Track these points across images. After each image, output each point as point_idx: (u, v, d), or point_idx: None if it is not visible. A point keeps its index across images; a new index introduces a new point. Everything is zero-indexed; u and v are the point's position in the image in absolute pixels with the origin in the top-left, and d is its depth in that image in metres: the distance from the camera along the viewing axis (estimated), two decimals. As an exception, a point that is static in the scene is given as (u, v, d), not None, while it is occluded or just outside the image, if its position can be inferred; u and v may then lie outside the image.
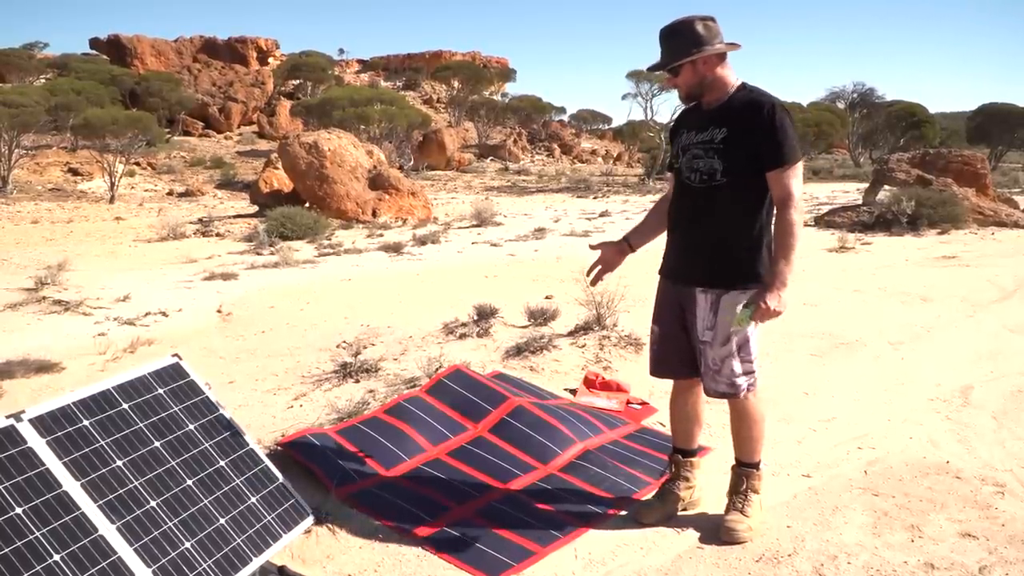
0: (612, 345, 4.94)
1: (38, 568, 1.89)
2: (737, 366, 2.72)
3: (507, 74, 51.69)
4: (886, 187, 14.92)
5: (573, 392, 4.33)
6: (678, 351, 2.86)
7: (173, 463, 2.37)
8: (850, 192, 21.59)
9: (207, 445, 2.51)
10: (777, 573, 2.57)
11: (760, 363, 2.83)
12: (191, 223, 14.39)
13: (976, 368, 4.83)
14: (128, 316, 6.40)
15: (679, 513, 2.95)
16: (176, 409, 2.53)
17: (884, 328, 5.81)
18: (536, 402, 3.84)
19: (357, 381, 4.34)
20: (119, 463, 2.24)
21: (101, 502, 2.11)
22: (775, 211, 2.66)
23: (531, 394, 4.08)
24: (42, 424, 2.16)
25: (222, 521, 2.34)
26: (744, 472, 2.87)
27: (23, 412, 2.16)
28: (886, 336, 5.59)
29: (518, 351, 4.75)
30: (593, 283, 3.05)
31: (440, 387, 3.87)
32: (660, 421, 3.92)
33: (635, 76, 32.20)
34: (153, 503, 2.22)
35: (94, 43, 44.75)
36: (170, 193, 22.37)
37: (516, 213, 17.72)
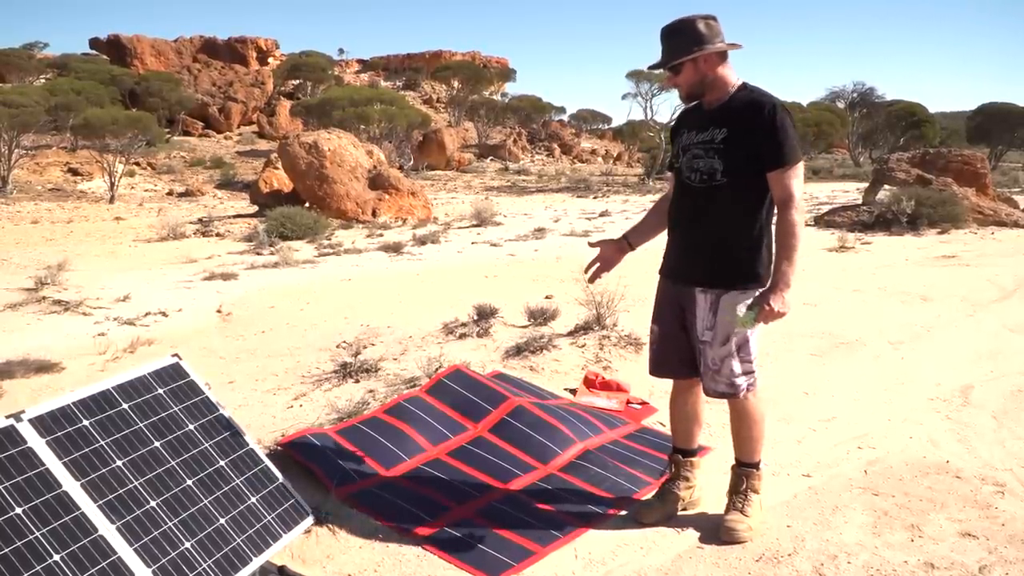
0: (612, 345, 4.94)
1: (38, 568, 1.89)
2: (736, 366, 2.72)
3: (507, 74, 51.69)
4: (886, 187, 14.92)
5: (573, 392, 4.33)
6: (678, 351, 2.86)
7: (173, 463, 2.37)
8: (850, 192, 21.59)
9: (207, 445, 2.51)
10: (777, 573, 2.57)
11: (760, 363, 2.82)
12: (191, 223, 14.39)
13: (976, 368, 4.83)
14: (128, 316, 6.40)
15: (679, 513, 2.95)
16: (176, 409, 2.53)
17: (884, 328, 5.81)
18: (536, 402, 3.84)
19: (357, 381, 4.34)
20: (119, 463, 2.24)
21: (101, 502, 2.11)
22: (776, 211, 2.66)
23: (531, 394, 4.08)
24: (42, 424, 2.16)
25: (222, 521, 2.34)
26: (744, 472, 2.87)
27: (23, 412, 2.16)
28: (886, 336, 5.59)
29: (518, 351, 4.75)
30: (591, 280, 3.05)
31: (440, 387, 3.87)
32: (660, 421, 3.92)
33: (635, 76, 32.20)
34: (153, 503, 2.22)
35: (94, 43, 44.76)
36: (170, 193, 22.38)
37: (516, 213, 17.72)
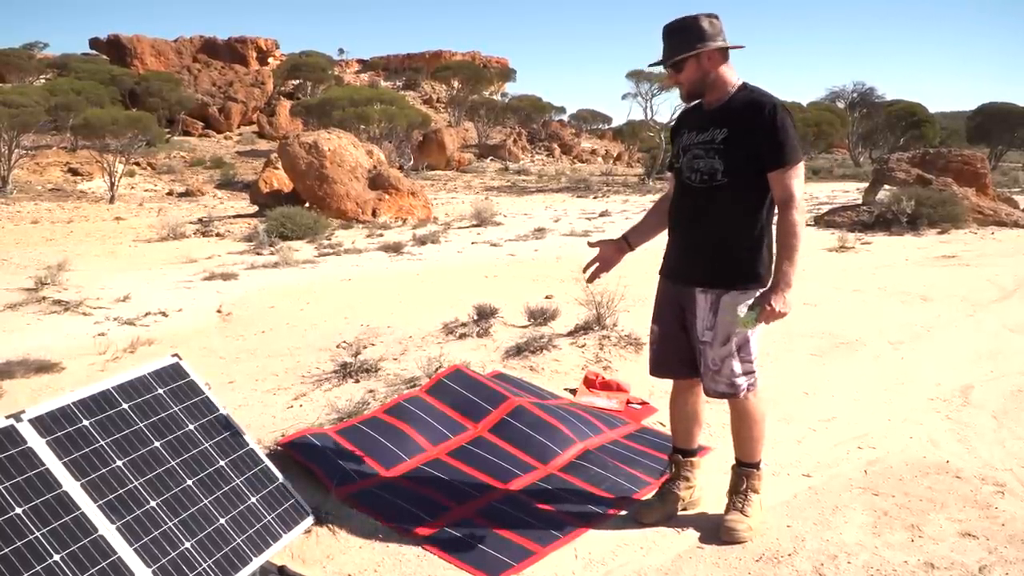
0: (612, 345, 4.94)
1: (38, 568, 1.89)
2: (737, 366, 2.72)
3: (507, 74, 51.68)
4: (886, 187, 14.92)
5: (573, 392, 4.32)
6: (678, 351, 2.86)
7: (173, 463, 2.37)
8: (850, 192, 21.59)
9: (207, 445, 2.51)
10: (777, 573, 2.57)
11: (760, 363, 2.82)
12: (191, 223, 14.39)
13: (976, 368, 4.83)
14: (128, 316, 6.40)
15: (679, 513, 2.95)
16: (176, 409, 2.53)
17: (884, 328, 5.81)
18: (536, 402, 3.84)
19: (357, 381, 4.34)
20: (119, 463, 2.24)
21: (101, 502, 2.11)
22: (776, 212, 2.66)
23: (531, 394, 4.08)
24: (42, 424, 2.16)
25: (222, 521, 2.34)
26: (744, 472, 2.87)
27: (23, 412, 2.16)
28: (886, 336, 5.59)
29: (518, 351, 4.75)
30: (590, 281, 3.05)
31: (440, 387, 3.87)
32: (660, 421, 3.91)
33: (635, 76, 32.20)
34: (153, 503, 2.22)
35: (94, 43, 44.76)
36: (170, 193, 22.37)
37: (516, 213, 17.72)
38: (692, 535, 2.82)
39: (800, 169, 2.62)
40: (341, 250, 10.92)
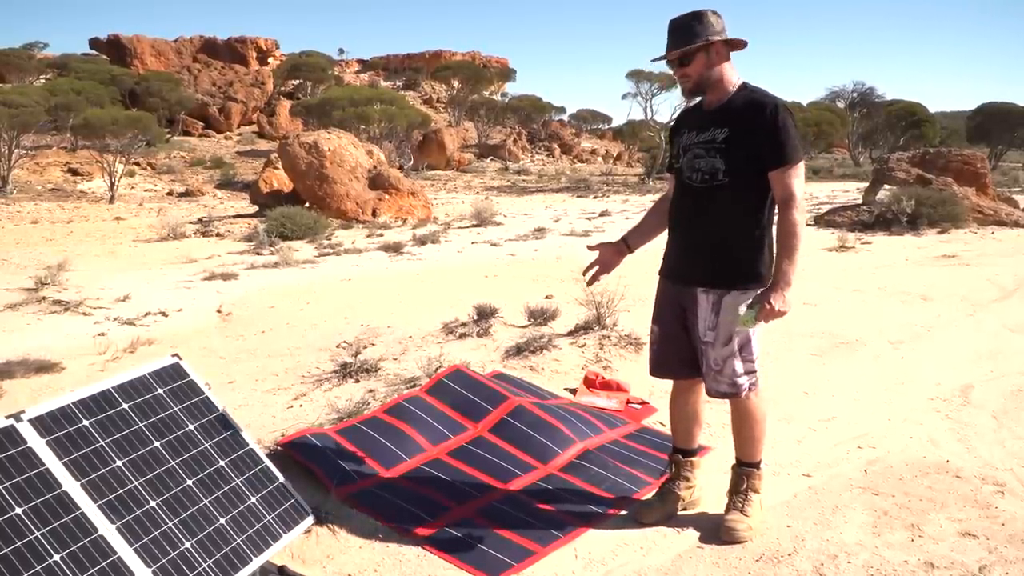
0: (612, 345, 4.94)
1: (38, 568, 1.89)
2: (739, 366, 2.72)
3: (507, 74, 51.69)
4: (886, 186, 14.92)
5: (573, 392, 4.32)
6: (679, 351, 2.86)
7: (173, 463, 2.37)
8: (850, 191, 21.59)
9: (207, 445, 2.51)
10: (777, 572, 2.57)
11: (761, 363, 2.82)
12: (191, 223, 14.39)
13: (976, 367, 4.83)
14: (128, 316, 6.40)
15: (679, 513, 2.95)
16: (176, 409, 2.52)
17: (884, 327, 5.82)
18: (536, 402, 3.84)
19: (357, 381, 4.34)
20: (119, 463, 2.24)
21: (101, 502, 2.11)
22: (777, 211, 2.66)
23: (531, 394, 4.08)
24: (42, 424, 2.16)
25: (222, 521, 2.34)
26: (744, 472, 2.87)
27: (23, 412, 2.16)
28: (886, 335, 5.59)
29: (518, 351, 4.75)
30: (590, 283, 3.05)
31: (440, 387, 3.87)
32: (660, 421, 3.91)
33: (635, 76, 32.19)
34: (153, 503, 2.22)
35: (94, 43, 44.78)
36: (170, 193, 22.38)
37: (516, 213, 17.72)
38: (692, 535, 2.82)
39: (801, 168, 2.62)
40: (341, 250, 10.92)
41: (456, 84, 43.54)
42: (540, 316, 5.53)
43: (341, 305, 6.86)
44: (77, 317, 6.45)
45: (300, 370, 4.72)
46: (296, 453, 3.21)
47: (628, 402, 4.15)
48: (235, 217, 16.32)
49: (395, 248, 10.85)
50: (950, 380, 4.56)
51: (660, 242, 2.99)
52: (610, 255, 2.99)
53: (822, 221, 13.41)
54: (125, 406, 2.39)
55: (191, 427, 2.51)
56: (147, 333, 5.82)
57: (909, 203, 12.38)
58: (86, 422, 2.26)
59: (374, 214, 15.30)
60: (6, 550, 1.86)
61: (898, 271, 8.55)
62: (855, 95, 42.16)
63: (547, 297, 6.49)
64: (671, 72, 2.82)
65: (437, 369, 4.17)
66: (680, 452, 3.00)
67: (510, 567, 2.62)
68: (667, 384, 3.09)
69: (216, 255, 10.66)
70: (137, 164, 24.39)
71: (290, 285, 8.08)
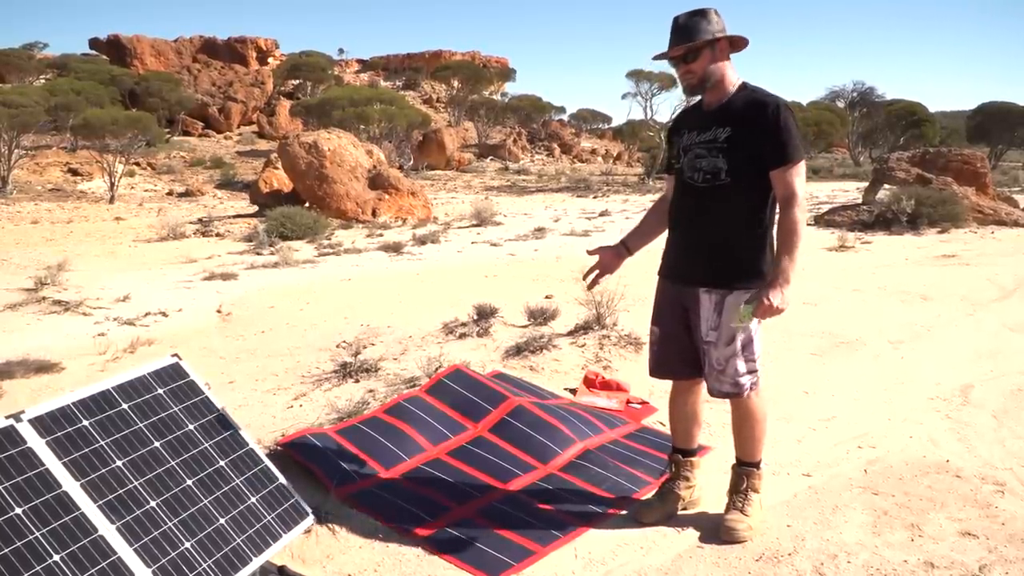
0: (612, 344, 4.94)
1: (38, 568, 1.88)
2: (741, 365, 2.72)
3: (507, 74, 51.69)
4: (886, 186, 14.92)
5: (573, 392, 4.32)
6: (680, 351, 2.86)
7: (173, 463, 2.37)
8: (850, 191, 21.59)
9: (207, 445, 2.51)
10: (777, 572, 2.57)
11: (761, 362, 2.82)
12: (191, 223, 14.39)
13: (976, 367, 4.83)
14: (128, 316, 6.40)
15: (679, 512, 2.94)
16: (176, 409, 2.52)
17: (884, 327, 5.81)
18: (536, 402, 3.84)
19: (357, 381, 4.34)
20: (119, 463, 2.24)
21: (101, 502, 2.11)
22: (778, 209, 2.66)
23: (531, 394, 4.08)
24: (42, 424, 2.16)
25: (222, 521, 2.34)
26: (744, 471, 2.87)
27: (23, 412, 2.16)
28: (886, 335, 5.59)
29: (518, 351, 4.75)
30: (590, 287, 3.05)
31: (440, 387, 3.87)
32: (660, 420, 3.91)
33: (635, 76, 32.20)
34: (153, 503, 2.22)
35: (94, 43, 44.78)
36: (170, 193, 22.38)
37: (516, 213, 17.72)
38: (692, 535, 2.82)
39: (802, 167, 2.62)
40: (341, 250, 10.92)
41: (456, 84, 43.54)
42: (540, 316, 5.53)
43: (341, 305, 6.86)
44: (77, 317, 6.45)
45: (300, 370, 4.72)
46: (296, 453, 3.21)
47: (628, 402, 4.15)
48: (235, 217, 16.32)
49: (395, 248, 10.85)
50: (950, 380, 4.56)
51: (660, 242, 2.99)
52: (610, 258, 2.99)
53: (822, 221, 13.41)
54: (125, 406, 2.39)
55: (191, 427, 2.51)
56: (147, 333, 5.82)
57: (909, 203, 12.38)
58: (86, 422, 2.26)
59: (374, 214, 15.30)
60: (6, 550, 1.86)
61: (898, 271, 8.55)
62: (855, 95, 42.18)
63: (547, 297, 6.49)
64: (671, 71, 2.82)
65: (437, 369, 4.17)
66: (680, 452, 3.00)
67: (510, 567, 2.62)
68: (667, 384, 3.09)
69: (216, 255, 10.67)
70: (137, 164, 24.40)
71: (290, 285, 8.08)
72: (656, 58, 2.77)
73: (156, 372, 2.57)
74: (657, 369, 2.98)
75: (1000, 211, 13.47)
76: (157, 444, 2.38)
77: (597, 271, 3.00)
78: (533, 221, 15.23)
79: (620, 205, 19.65)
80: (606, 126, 48.62)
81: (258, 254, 10.67)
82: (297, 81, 42.31)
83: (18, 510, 1.95)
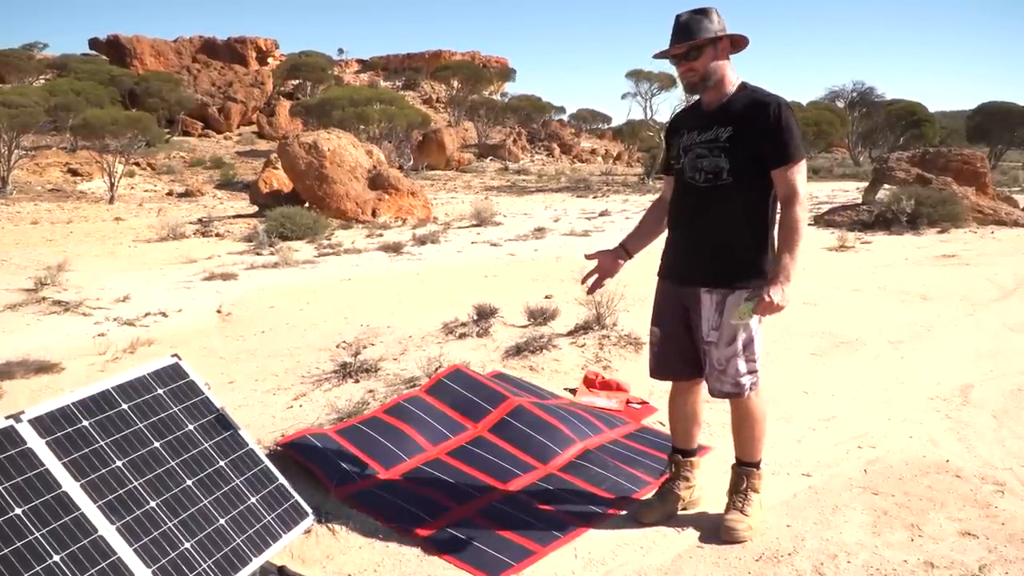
0: (612, 344, 4.94)
1: (38, 568, 1.88)
2: (742, 365, 2.72)
3: (507, 74, 51.70)
4: (886, 186, 14.92)
5: (573, 392, 4.32)
6: (680, 352, 2.86)
7: (173, 463, 2.37)
8: (850, 191, 21.59)
9: (207, 445, 2.51)
10: (777, 572, 2.57)
11: (762, 362, 2.82)
12: (191, 223, 14.39)
13: (976, 367, 4.83)
14: (128, 316, 6.40)
15: (679, 512, 2.94)
16: (176, 409, 2.52)
17: (884, 327, 5.81)
18: (536, 402, 3.84)
19: (357, 381, 4.34)
20: (119, 463, 2.24)
21: (101, 502, 2.11)
22: (780, 208, 2.66)
23: (531, 394, 4.08)
24: (42, 425, 2.16)
25: (222, 521, 2.34)
26: (744, 471, 2.87)
27: (23, 413, 2.16)
28: (886, 335, 5.59)
29: (518, 351, 4.75)
30: (590, 292, 3.04)
31: (440, 387, 3.87)
32: (660, 420, 3.91)
33: (635, 76, 32.23)
34: (153, 503, 2.22)
35: (93, 43, 44.80)
36: (170, 193, 22.37)
37: (516, 213, 17.72)
38: (692, 535, 2.82)
39: (803, 166, 2.63)
40: (341, 250, 10.92)
41: (456, 84, 43.54)
42: (540, 316, 5.53)
43: (341, 305, 6.85)
44: (77, 317, 6.45)
45: (300, 370, 4.72)
46: (296, 453, 3.21)
47: (628, 402, 4.15)
48: (235, 217, 16.32)
49: (395, 248, 10.85)
50: (950, 380, 4.56)
51: (659, 243, 2.99)
52: (609, 262, 2.98)
53: (822, 221, 13.40)
54: (125, 406, 2.39)
55: (191, 427, 2.51)
56: (147, 333, 5.82)
57: (909, 203, 12.38)
58: (86, 422, 2.26)
59: (374, 214, 15.30)
60: (6, 551, 1.86)
61: (898, 271, 8.55)
62: (855, 95, 42.19)
63: (547, 297, 6.49)
64: (671, 71, 2.83)
65: (437, 369, 4.17)
66: (680, 452, 3.00)
67: (510, 567, 2.62)
68: (667, 384, 3.09)
69: (216, 255, 10.66)
70: (137, 164, 24.40)
71: (290, 285, 8.08)
72: (657, 56, 2.77)
73: (156, 372, 2.57)
74: (658, 370, 2.98)
75: (1000, 211, 13.48)
76: (157, 444, 2.38)
77: (596, 276, 2.99)
78: (533, 221, 15.22)
79: (620, 205, 19.65)
80: (606, 126, 48.65)
81: (258, 254, 10.67)
82: (297, 81, 42.31)
83: (18, 510, 1.95)
